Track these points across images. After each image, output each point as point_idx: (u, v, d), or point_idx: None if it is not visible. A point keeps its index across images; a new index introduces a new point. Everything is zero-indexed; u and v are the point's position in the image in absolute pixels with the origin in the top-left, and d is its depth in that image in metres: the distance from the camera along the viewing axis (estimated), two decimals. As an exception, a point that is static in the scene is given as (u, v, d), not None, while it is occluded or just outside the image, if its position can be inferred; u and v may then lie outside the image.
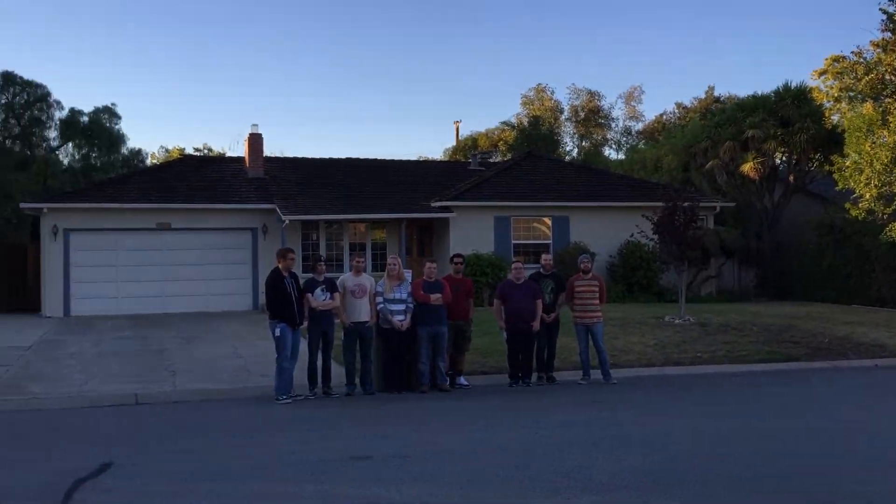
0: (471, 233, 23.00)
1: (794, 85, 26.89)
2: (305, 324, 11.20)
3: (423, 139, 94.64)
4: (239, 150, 35.22)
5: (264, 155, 25.88)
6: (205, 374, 12.66)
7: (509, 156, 37.95)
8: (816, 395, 11.58)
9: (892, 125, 20.12)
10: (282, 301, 10.88)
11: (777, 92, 26.86)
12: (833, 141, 24.64)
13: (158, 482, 6.83)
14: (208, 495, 6.42)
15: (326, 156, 29.24)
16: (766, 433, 8.66)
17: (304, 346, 11.32)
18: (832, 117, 25.94)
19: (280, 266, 11.15)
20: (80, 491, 6.52)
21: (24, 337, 16.58)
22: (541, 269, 12.77)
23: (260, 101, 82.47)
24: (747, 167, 25.68)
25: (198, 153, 47.98)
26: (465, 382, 12.11)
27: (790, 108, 25.83)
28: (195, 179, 24.29)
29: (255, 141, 25.36)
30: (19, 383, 12.01)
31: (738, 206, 26.66)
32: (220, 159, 31.83)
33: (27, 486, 6.81)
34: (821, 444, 8.12)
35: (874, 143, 20.76)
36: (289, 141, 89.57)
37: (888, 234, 20.67)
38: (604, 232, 23.70)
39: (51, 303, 21.25)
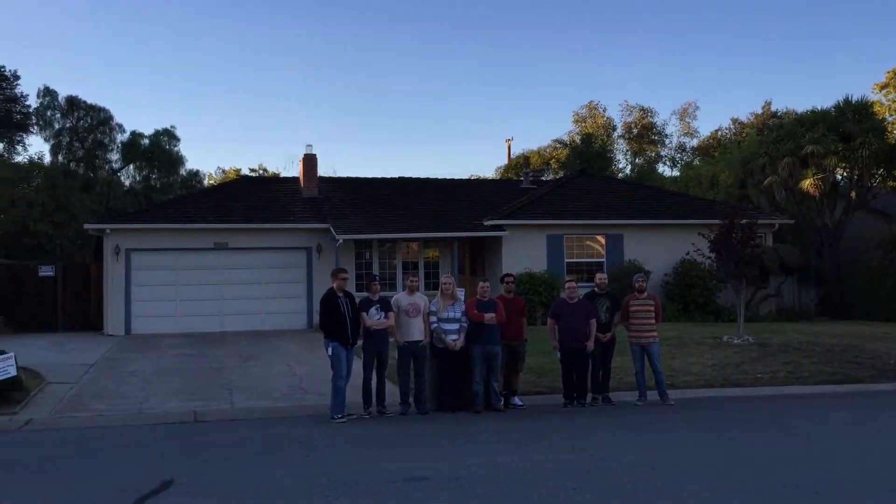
0: (523, 251, 22.93)
1: (854, 99, 26.24)
2: (360, 342, 11.27)
3: (475, 157, 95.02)
4: (293, 170, 35.83)
5: (318, 175, 26.26)
6: (262, 392, 12.83)
7: (561, 174, 37.81)
8: (883, 418, 11.19)
9: (958, 139, 19.55)
10: (335, 321, 10.97)
11: (837, 106, 26.21)
12: (896, 156, 23.99)
13: (218, 500, 6.92)
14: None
15: (379, 175, 29.54)
16: (830, 457, 8.40)
17: (358, 365, 11.39)
18: (895, 131, 25.24)
19: (335, 286, 11.26)
20: (142, 508, 6.64)
21: (87, 355, 17.02)
22: (595, 289, 12.65)
23: (313, 120, 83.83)
24: (807, 183, 25.11)
25: (253, 174, 48.93)
26: (520, 402, 12.03)
27: (851, 123, 25.18)
28: (251, 200, 24.72)
29: (310, 161, 25.74)
30: (83, 400, 12.32)
31: (797, 223, 26.07)
32: (276, 180, 32.39)
33: None
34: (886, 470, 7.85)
35: (940, 157, 20.19)
36: (342, 160, 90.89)
37: (956, 251, 20.04)
38: (658, 250, 23.42)
39: (113, 321, 21.78)
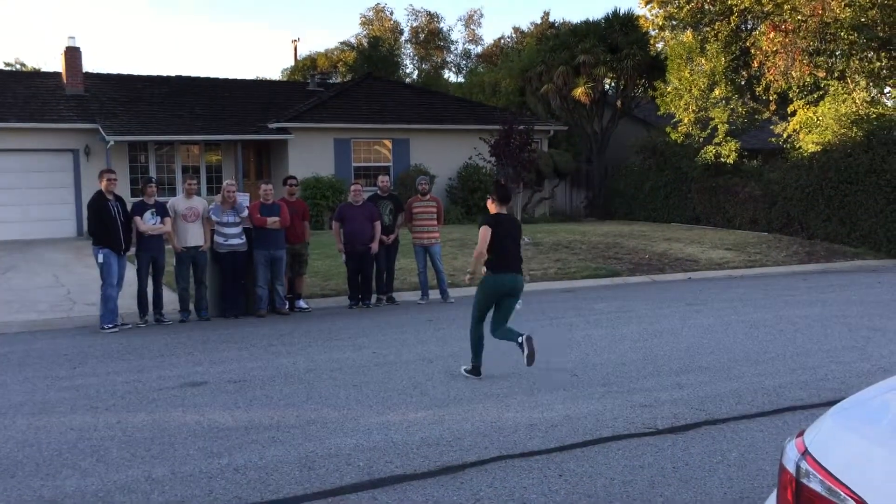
0: (310, 155, 22.60)
1: (622, 12, 27.81)
2: (133, 249, 10.73)
3: (260, 59, 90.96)
4: (56, 65, 32.52)
5: (84, 71, 24.09)
6: (23, 305, 11.90)
7: (349, 77, 37.28)
8: (636, 308, 12.37)
9: (709, 53, 21.36)
10: (105, 225, 10.34)
11: (607, 18, 27.66)
12: (657, 67, 25.80)
13: (-28, 419, 6.42)
14: (28, 430, 6.11)
15: (155, 73, 27.63)
16: (590, 343, 9.23)
17: (132, 273, 10.85)
18: (657, 45, 27.08)
19: (102, 188, 10.55)
20: None
21: None
22: (378, 191, 12.78)
23: (78, 11, 76.13)
24: (579, 92, 26.52)
25: (9, 68, 43.90)
26: (305, 305, 12.07)
27: (619, 35, 26.72)
28: (5, 96, 22.28)
29: (73, 54, 23.50)
30: None
31: (570, 129, 27.62)
32: (34, 74, 29.34)
33: None
34: (626, 348, 8.76)
35: (693, 70, 22.02)
36: (112, 57, 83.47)
37: (703, 156, 22.21)
38: (443, 154, 23.96)
39: None
